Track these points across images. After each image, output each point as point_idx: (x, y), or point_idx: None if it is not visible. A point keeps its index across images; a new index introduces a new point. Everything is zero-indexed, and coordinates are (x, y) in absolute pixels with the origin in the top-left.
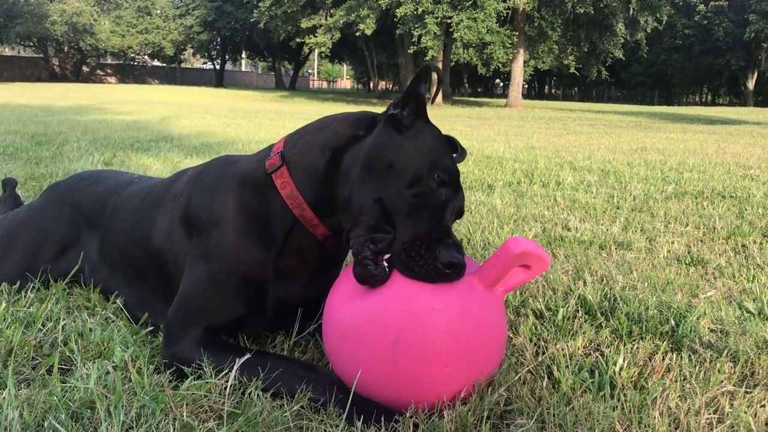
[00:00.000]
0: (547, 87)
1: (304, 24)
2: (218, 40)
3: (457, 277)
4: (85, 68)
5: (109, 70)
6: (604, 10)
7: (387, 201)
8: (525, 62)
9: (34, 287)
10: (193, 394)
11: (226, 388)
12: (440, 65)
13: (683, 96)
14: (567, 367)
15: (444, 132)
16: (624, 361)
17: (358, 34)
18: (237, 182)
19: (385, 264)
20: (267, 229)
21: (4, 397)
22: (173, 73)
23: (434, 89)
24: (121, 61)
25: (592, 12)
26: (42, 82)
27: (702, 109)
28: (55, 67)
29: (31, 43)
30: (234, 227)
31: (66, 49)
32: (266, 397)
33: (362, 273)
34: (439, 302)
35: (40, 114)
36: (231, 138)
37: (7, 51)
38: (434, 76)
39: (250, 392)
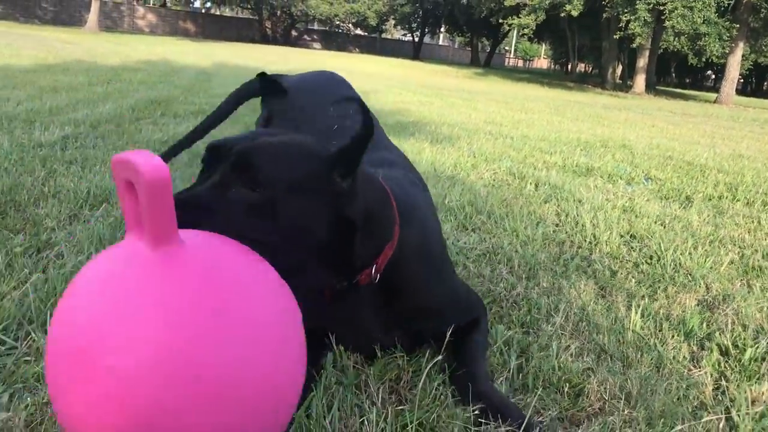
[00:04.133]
0: (766, 83)
1: (508, 2)
2: (420, 13)
3: None
4: (293, 32)
5: (315, 36)
6: None
7: None
8: (744, 56)
9: None
10: None
11: None
12: (647, 52)
13: None
14: (747, 413)
15: (644, 128)
16: None
17: (563, 14)
18: None
19: None
20: None
21: None
22: (373, 43)
23: None
24: (327, 28)
25: None
26: (254, 43)
27: None
28: (267, 29)
29: (249, 6)
30: None
31: (278, 13)
32: None
33: None
34: None
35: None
36: (425, 118)
37: (227, 12)
38: None
39: None
